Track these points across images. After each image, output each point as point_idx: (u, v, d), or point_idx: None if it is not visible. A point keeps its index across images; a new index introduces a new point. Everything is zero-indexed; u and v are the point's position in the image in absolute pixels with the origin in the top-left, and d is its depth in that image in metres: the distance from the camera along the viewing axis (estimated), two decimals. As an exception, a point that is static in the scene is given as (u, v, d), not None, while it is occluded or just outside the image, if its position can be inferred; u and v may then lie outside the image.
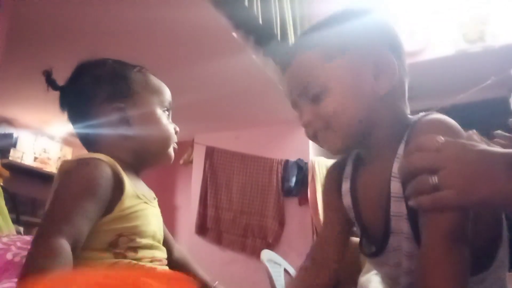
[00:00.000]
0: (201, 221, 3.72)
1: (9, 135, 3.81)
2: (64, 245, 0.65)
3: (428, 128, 0.70)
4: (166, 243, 0.90)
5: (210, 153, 3.83)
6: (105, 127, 0.84)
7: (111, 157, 0.79)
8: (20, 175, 3.53)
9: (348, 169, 0.87)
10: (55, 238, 0.66)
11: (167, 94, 0.92)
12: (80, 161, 0.77)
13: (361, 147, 0.83)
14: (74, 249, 0.67)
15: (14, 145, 3.82)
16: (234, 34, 2.33)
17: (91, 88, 0.86)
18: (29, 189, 3.54)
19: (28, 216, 3.34)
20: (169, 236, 0.97)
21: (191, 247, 3.66)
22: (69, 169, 0.77)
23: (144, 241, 0.79)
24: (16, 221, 2.19)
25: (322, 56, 0.76)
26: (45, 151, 4.06)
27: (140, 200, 0.81)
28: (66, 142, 4.24)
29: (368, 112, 0.76)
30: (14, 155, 3.77)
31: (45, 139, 4.11)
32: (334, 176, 0.90)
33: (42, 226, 0.70)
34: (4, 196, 1.72)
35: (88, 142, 0.87)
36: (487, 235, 0.72)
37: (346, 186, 0.86)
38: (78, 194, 0.72)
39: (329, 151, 0.79)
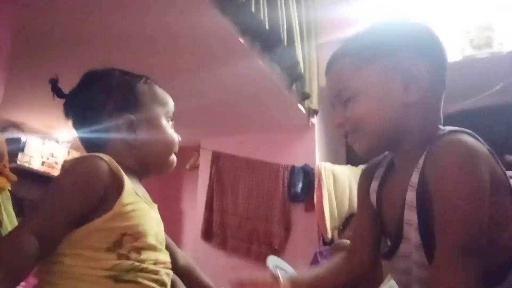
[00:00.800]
0: (207, 226, 3.72)
1: (17, 140, 3.84)
2: (26, 240, 0.66)
3: (446, 151, 0.71)
4: (170, 250, 0.90)
5: (216, 158, 3.83)
6: (113, 136, 0.86)
7: (116, 162, 0.81)
8: (28, 179, 3.55)
9: (381, 171, 0.91)
10: (21, 232, 0.68)
11: (171, 104, 0.95)
12: (78, 159, 0.80)
13: (391, 151, 0.87)
14: (42, 243, 0.68)
15: (22, 149, 3.84)
16: (241, 39, 2.34)
17: (100, 98, 0.88)
18: (36, 193, 3.55)
19: (35, 220, 3.35)
20: (172, 243, 0.99)
21: (197, 252, 3.66)
22: (65, 167, 0.80)
23: (148, 241, 0.79)
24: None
25: (354, 64, 0.81)
26: (52, 156, 4.09)
27: (140, 199, 0.82)
28: (73, 146, 4.27)
29: (395, 120, 0.79)
30: (22, 160, 3.79)
31: (53, 143, 4.14)
32: (367, 174, 0.95)
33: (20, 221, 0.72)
34: (11, 200, 1.73)
35: (94, 150, 0.88)
36: (506, 249, 0.73)
37: (374, 185, 0.90)
38: (63, 189, 0.75)
39: (358, 152, 0.84)
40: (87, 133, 0.89)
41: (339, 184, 3.38)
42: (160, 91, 0.94)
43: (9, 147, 3.70)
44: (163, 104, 0.93)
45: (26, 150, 3.88)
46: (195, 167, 4.10)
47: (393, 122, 0.79)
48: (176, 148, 0.93)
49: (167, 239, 0.92)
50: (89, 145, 0.90)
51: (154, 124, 0.90)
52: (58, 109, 0.92)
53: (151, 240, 0.80)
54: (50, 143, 4.11)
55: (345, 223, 3.06)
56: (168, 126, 0.92)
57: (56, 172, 4.02)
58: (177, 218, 4.46)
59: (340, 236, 3.09)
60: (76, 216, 0.73)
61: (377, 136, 0.80)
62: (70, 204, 0.73)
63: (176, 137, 0.93)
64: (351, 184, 3.40)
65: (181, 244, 4.05)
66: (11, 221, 1.73)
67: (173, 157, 0.93)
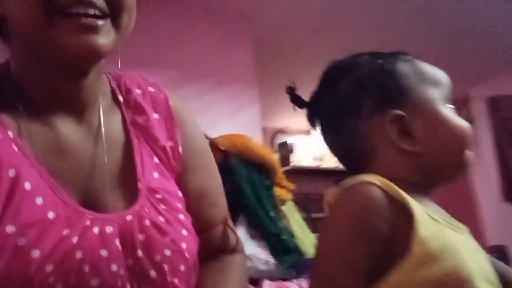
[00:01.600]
0: (506, 185, 3.20)
1: (287, 143, 4.23)
2: None
3: None
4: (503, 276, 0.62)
5: (494, 104, 3.24)
6: (378, 144, 0.66)
7: (388, 178, 0.60)
8: (301, 176, 3.82)
9: None
10: None
11: (447, 82, 0.69)
12: (343, 192, 0.61)
13: None
14: None
15: (292, 151, 4.21)
16: None
17: (352, 96, 0.68)
18: (311, 188, 3.72)
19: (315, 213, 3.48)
20: (502, 264, 0.68)
21: (501, 217, 3.20)
22: (332, 206, 0.62)
23: (476, 286, 0.55)
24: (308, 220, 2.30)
25: None
26: (319, 150, 4.32)
27: (441, 225, 0.59)
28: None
29: None
30: (294, 160, 4.12)
31: (316, 138, 4.34)
32: None
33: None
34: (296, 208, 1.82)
35: (357, 165, 0.69)
36: None
37: None
38: (338, 236, 0.58)
39: None
40: (342, 147, 0.71)
41: None
42: (428, 68, 0.69)
43: (281, 152, 4.11)
44: (437, 83, 0.68)
45: (295, 150, 4.21)
46: (469, 122, 3.58)
47: None
48: (470, 140, 0.67)
49: (501, 266, 0.65)
50: (348, 159, 0.71)
51: (431, 115, 0.66)
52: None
53: (480, 283, 0.56)
54: (314, 138, 4.36)
55: None
56: (450, 113, 0.67)
57: (324, 164, 4.24)
58: (465, 186, 3.96)
59: None
60: (364, 269, 0.56)
61: None
62: (352, 254, 0.57)
63: (464, 125, 0.67)
64: None
65: (480, 213, 3.58)
66: (302, 230, 1.81)
67: (468, 154, 0.67)
